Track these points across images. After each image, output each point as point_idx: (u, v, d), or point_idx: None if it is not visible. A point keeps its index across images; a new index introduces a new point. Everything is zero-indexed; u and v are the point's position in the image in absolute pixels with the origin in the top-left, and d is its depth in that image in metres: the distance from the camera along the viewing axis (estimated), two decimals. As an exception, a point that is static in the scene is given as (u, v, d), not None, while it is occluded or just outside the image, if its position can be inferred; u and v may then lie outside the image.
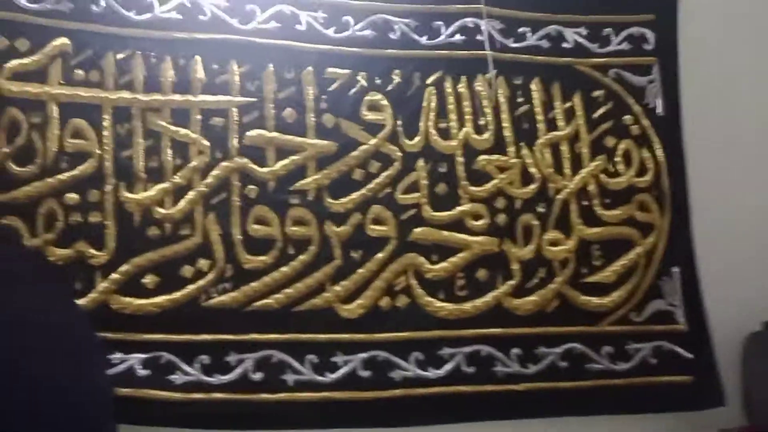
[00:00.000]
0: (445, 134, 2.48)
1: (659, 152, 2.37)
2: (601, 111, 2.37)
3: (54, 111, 2.22)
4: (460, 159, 2.46)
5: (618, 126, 2.36)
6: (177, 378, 2.16)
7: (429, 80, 2.48)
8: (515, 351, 2.19)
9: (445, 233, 2.26)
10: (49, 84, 2.24)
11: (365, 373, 2.26)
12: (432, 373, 2.30)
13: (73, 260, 2.14)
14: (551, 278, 2.24)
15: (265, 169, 2.33)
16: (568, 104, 2.36)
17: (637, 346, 2.23)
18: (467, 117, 2.50)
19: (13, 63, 2.21)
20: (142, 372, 2.13)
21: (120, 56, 2.30)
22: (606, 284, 2.25)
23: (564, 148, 2.37)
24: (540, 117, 2.35)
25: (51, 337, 1.33)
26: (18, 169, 2.16)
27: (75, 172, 2.21)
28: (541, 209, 2.29)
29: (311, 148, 2.38)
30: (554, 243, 2.28)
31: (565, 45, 2.40)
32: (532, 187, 2.30)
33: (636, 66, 2.44)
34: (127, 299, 2.18)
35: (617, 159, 2.35)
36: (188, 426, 2.12)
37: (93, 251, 2.18)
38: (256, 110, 2.35)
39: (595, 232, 2.30)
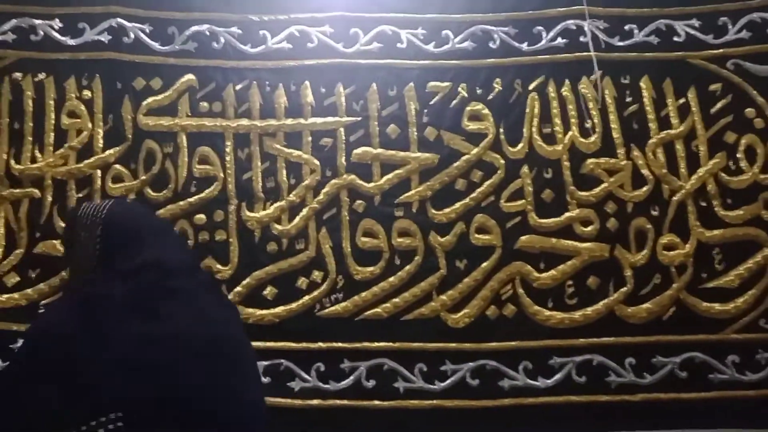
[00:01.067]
0: (549, 139, 2.20)
1: None
2: (719, 105, 2.07)
3: (183, 140, 2.24)
4: (566, 164, 2.18)
5: (739, 120, 2.04)
6: (295, 385, 2.07)
7: (531, 86, 2.22)
8: (629, 360, 1.94)
9: (553, 240, 2.06)
10: (179, 116, 2.25)
11: (474, 382, 2.05)
12: (541, 383, 2.04)
13: (202, 275, 1.97)
14: (668, 284, 1.97)
15: (371, 184, 2.19)
16: (681, 100, 2.09)
17: None
18: (572, 120, 2.20)
19: (149, 100, 2.25)
20: (264, 380, 2.04)
21: (239, 87, 2.27)
22: (729, 289, 1.95)
23: (679, 147, 2.09)
24: (651, 116, 2.11)
25: (231, 349, 1.17)
26: (154, 194, 2.20)
27: (202, 194, 2.20)
28: (654, 212, 2.04)
29: (414, 162, 2.21)
30: (670, 247, 2.01)
31: (676, 39, 2.14)
32: (645, 189, 2.06)
33: (758, 54, 2.10)
34: (250, 310, 2.12)
35: (739, 155, 2.04)
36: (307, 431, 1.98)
37: (219, 266, 2.15)
38: (362, 128, 2.22)
39: (716, 234, 2.01)
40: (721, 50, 2.08)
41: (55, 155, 2.18)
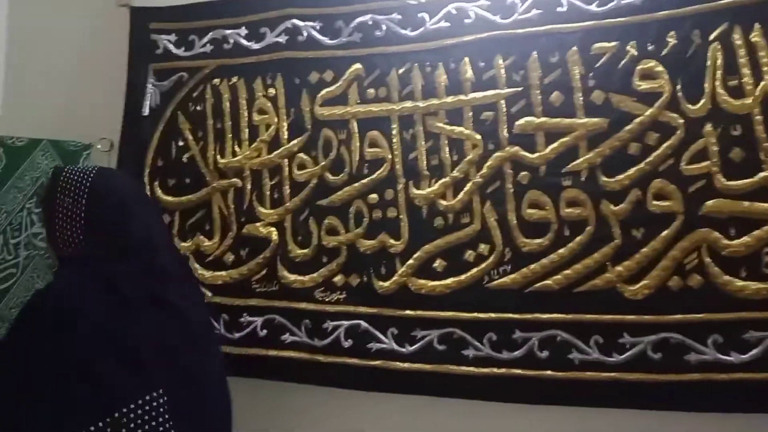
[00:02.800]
0: (737, 92, 1.62)
1: None
2: None
3: (355, 127, 2.02)
4: (758, 118, 1.59)
5: None
6: (470, 353, 1.81)
7: (712, 36, 1.66)
8: None
9: (745, 204, 1.58)
10: (350, 105, 2.03)
11: (656, 356, 1.65)
12: (735, 358, 1.58)
13: (377, 249, 1.94)
14: None
15: (534, 155, 1.81)
16: None
17: None
18: (765, 69, 1.60)
19: (323, 92, 2.06)
20: (440, 347, 1.84)
21: (401, 71, 1.97)
22: None
23: None
24: None
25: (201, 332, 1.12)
26: (333, 178, 2.03)
27: (374, 176, 1.98)
28: None
29: (581, 128, 1.77)
30: None
31: None
32: None
33: None
34: (422, 281, 1.88)
35: None
36: (482, 398, 1.80)
37: (392, 241, 1.93)
38: (523, 99, 1.82)
39: None
40: None
41: (250, 149, 2.11)
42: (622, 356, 1.63)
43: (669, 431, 1.60)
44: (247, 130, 2.07)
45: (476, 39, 1.86)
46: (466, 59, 1.86)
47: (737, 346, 1.56)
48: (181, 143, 2.14)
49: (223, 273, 2.02)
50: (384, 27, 1.98)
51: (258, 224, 2.01)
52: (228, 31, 2.14)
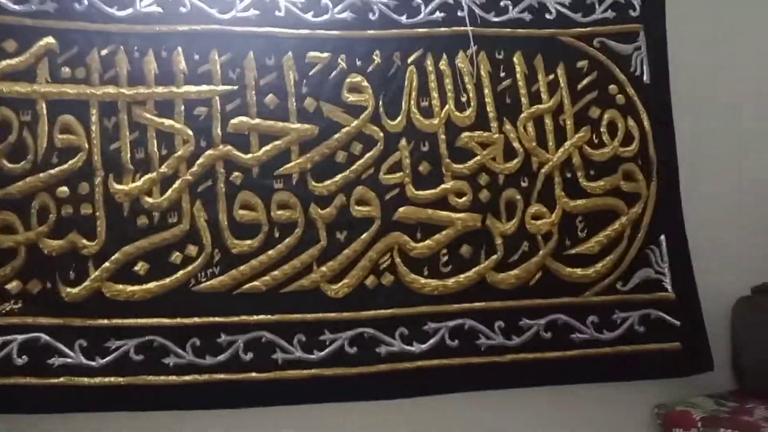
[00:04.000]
0: (427, 113, 1.59)
1: (645, 121, 1.61)
2: (585, 82, 1.59)
3: (43, 108, 1.51)
4: (442, 137, 1.59)
5: (603, 96, 1.57)
6: (170, 361, 1.48)
7: (410, 59, 1.60)
8: (498, 324, 1.51)
9: (429, 211, 1.57)
10: (38, 82, 1.52)
11: (352, 350, 1.51)
12: (416, 348, 1.53)
13: (66, 251, 1.49)
14: (534, 252, 1.53)
15: (248, 156, 1.55)
16: (551, 76, 1.59)
17: (624, 315, 1.55)
18: (449, 94, 1.61)
19: (2, 64, 1.50)
20: (137, 357, 1.47)
21: (104, 52, 1.55)
22: (590, 255, 1.54)
23: (548, 121, 1.60)
24: (523, 91, 1.59)
25: None
26: (11, 165, 1.49)
27: (65, 166, 1.51)
28: (524, 183, 1.56)
29: (293, 133, 1.57)
30: (537, 217, 1.56)
31: (548, 16, 1.67)
32: (515, 161, 1.57)
33: (621, 34, 1.63)
34: (120, 286, 1.49)
35: (602, 129, 1.58)
36: (183, 408, 1.48)
37: (85, 242, 1.50)
38: (239, 98, 1.55)
39: (579, 204, 1.57)
40: (588, 28, 1.58)
41: None
42: (322, 353, 1.48)
43: (359, 421, 1.53)
44: None
45: (191, 30, 1.52)
46: (180, 49, 1.51)
47: (419, 336, 1.51)
48: None
49: None
50: (85, 1, 1.51)
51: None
52: None
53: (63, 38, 1.51)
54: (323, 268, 1.53)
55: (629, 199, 1.50)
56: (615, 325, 1.51)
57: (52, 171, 1.49)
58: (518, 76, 1.63)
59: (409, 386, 1.52)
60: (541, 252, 1.50)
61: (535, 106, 1.54)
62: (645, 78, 1.58)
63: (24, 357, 1.38)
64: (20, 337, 1.38)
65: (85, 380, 1.40)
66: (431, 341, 1.54)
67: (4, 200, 1.47)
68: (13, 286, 1.40)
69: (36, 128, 1.49)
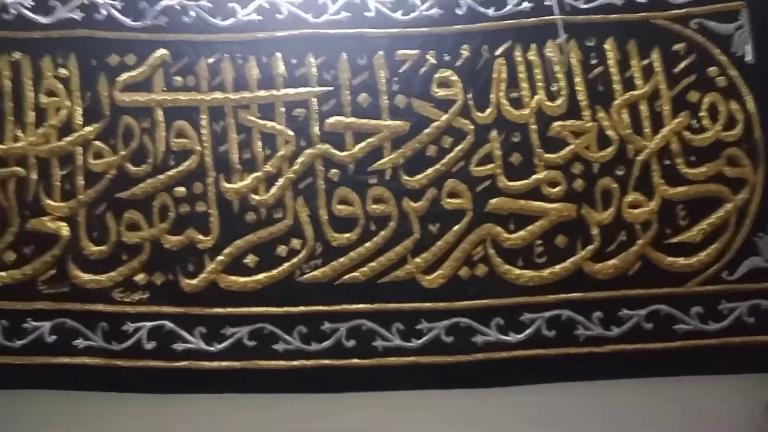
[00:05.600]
0: (517, 104, 1.60)
1: (750, 103, 1.51)
2: (682, 65, 1.52)
3: (160, 115, 1.66)
4: (533, 127, 1.59)
5: (702, 79, 1.49)
6: (280, 347, 1.59)
7: (498, 51, 1.61)
8: (597, 314, 1.47)
9: (522, 202, 1.52)
10: (155, 92, 1.66)
11: (449, 339, 1.56)
12: (512, 338, 1.55)
13: (184, 245, 1.63)
14: (633, 241, 1.47)
15: (344, 153, 1.62)
16: (645, 61, 1.53)
17: (731, 306, 1.46)
18: (539, 84, 1.61)
19: (124, 76, 1.66)
20: (250, 343, 1.59)
21: (211, 60, 1.66)
22: (692, 244, 1.47)
23: (643, 108, 1.54)
24: (616, 77, 1.54)
25: None
26: (134, 169, 1.65)
27: (181, 168, 1.64)
28: (620, 172, 1.51)
29: (386, 130, 1.62)
30: (635, 205, 1.50)
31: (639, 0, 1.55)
32: (610, 149, 1.51)
33: (721, 13, 1.53)
34: (233, 278, 1.61)
35: (702, 114, 1.51)
36: (293, 391, 1.59)
37: (201, 237, 1.62)
38: (334, 98, 1.63)
39: (680, 191, 1.50)
40: (684, 10, 1.52)
41: (36, 134, 1.63)
42: (420, 341, 1.53)
43: (457, 407, 1.56)
44: (32, 113, 1.59)
45: (289, 35, 1.62)
46: (278, 54, 1.61)
47: (515, 327, 1.53)
48: (-51, 125, 1.41)
49: (3, 274, 1.53)
50: (193, 13, 1.64)
51: (45, 218, 1.56)
52: (9, 0, 1.62)
53: (175, 49, 1.64)
54: (417, 260, 1.58)
55: (734, 185, 1.42)
56: (721, 316, 1.44)
57: (170, 172, 1.63)
58: (610, 62, 1.54)
59: (506, 375, 1.55)
60: (639, 241, 1.45)
61: (630, 93, 1.49)
62: (749, 58, 1.48)
63: (152, 342, 1.51)
64: (148, 324, 1.52)
65: (206, 364, 1.52)
66: (528, 331, 1.55)
67: (129, 201, 1.63)
68: (140, 278, 1.54)
69: (154, 134, 1.64)
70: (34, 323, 1.55)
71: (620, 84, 1.60)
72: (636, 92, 1.61)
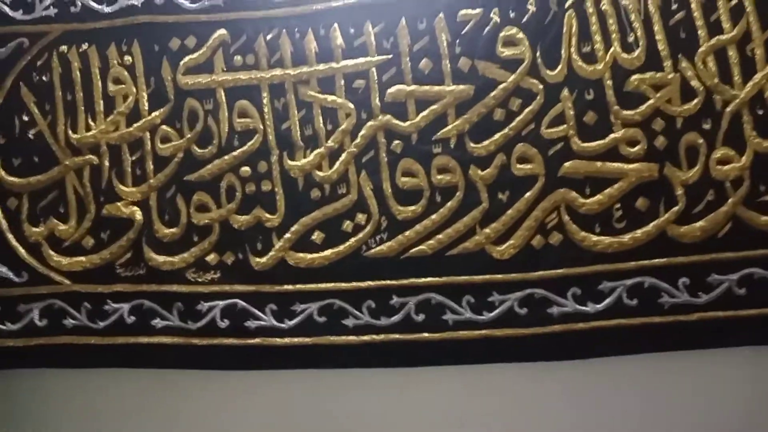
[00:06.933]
0: (590, 58, 1.49)
1: None
2: None
3: (222, 96, 1.67)
4: (608, 83, 1.47)
5: None
6: (350, 322, 1.59)
7: (567, 3, 1.49)
8: (683, 281, 1.37)
9: (598, 164, 1.41)
10: (216, 73, 1.67)
11: (522, 311, 1.51)
12: (591, 308, 1.47)
13: (252, 225, 1.65)
14: (722, 200, 1.35)
15: (407, 123, 1.57)
16: (734, 1, 1.34)
17: None
18: (614, 36, 1.49)
19: (186, 59, 1.67)
20: (320, 319, 1.61)
21: (269, 37, 1.65)
22: None
23: (732, 54, 1.38)
24: (700, 22, 1.39)
25: None
26: (200, 151, 1.67)
27: (245, 147, 1.66)
28: (706, 125, 1.36)
29: (449, 95, 1.55)
30: (724, 161, 1.36)
31: None
32: (695, 102, 1.37)
33: None
34: (300, 255, 1.62)
35: None
36: (364, 366, 1.60)
37: (268, 215, 1.64)
38: (394, 66, 1.57)
39: None
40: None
41: (106, 122, 1.70)
42: (492, 314, 1.49)
43: (541, 379, 1.51)
44: (102, 102, 1.66)
45: (345, 5, 1.56)
46: (336, 25, 1.56)
47: (593, 296, 1.46)
48: (25, 118, 1.66)
49: (83, 258, 1.63)
50: (249, -10, 1.46)
51: (119, 204, 1.64)
52: (74, -7, 1.47)
53: (233, 28, 1.64)
54: (487, 230, 1.53)
55: (838, 133, 1.17)
56: (827, 279, 1.27)
57: (234, 153, 1.65)
58: (693, 5, 1.45)
59: (585, 347, 1.48)
60: (730, 200, 1.32)
61: (716, 38, 1.34)
62: None
63: (225, 320, 1.53)
64: (221, 303, 1.53)
65: (278, 340, 1.54)
66: (607, 301, 1.47)
67: (197, 182, 1.67)
68: (211, 258, 1.55)
69: (218, 115, 1.65)
70: (114, 305, 1.62)
71: (705, 29, 1.46)
72: (723, 37, 1.45)
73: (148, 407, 1.56)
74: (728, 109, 1.46)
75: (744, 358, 1.45)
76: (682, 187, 1.48)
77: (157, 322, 1.48)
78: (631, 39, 1.50)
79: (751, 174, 1.44)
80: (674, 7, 1.49)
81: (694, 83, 1.47)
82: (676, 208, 1.47)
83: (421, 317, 1.54)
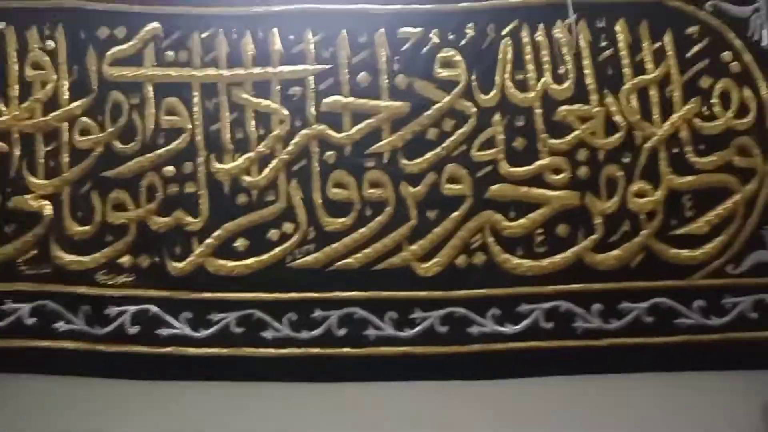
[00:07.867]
0: (522, 86, 1.54)
1: (763, 90, 1.43)
2: (695, 49, 1.44)
3: (150, 91, 1.59)
4: (538, 111, 1.49)
5: (715, 64, 1.42)
6: (268, 334, 1.53)
7: (504, 31, 1.54)
8: (596, 306, 1.41)
9: (523, 189, 1.45)
10: (145, 66, 1.59)
11: (443, 329, 1.50)
12: (509, 329, 1.49)
13: (172, 228, 1.56)
14: (637, 231, 1.41)
15: (341, 135, 1.55)
16: (657, 44, 1.46)
17: (735, 300, 1.40)
18: (546, 66, 1.54)
19: (114, 50, 1.59)
20: (237, 330, 1.52)
21: (204, 35, 1.59)
22: (698, 236, 1.40)
23: (653, 93, 1.47)
24: (626, 61, 1.47)
25: None
26: (122, 146, 1.58)
27: (171, 146, 1.58)
28: (626, 159, 1.44)
29: (385, 111, 1.55)
30: (641, 194, 1.44)
31: None
32: (617, 136, 1.44)
33: None
34: (221, 262, 1.55)
35: (713, 101, 1.43)
36: (281, 380, 1.53)
37: (189, 219, 1.56)
38: (332, 77, 1.56)
39: (687, 181, 1.43)
40: (698, -9, 1.26)
41: (20, 108, 1.57)
42: (413, 330, 1.47)
43: (450, 399, 1.51)
44: (17, 87, 1.53)
45: (285, 10, 1.54)
46: (275, 30, 1.53)
47: (512, 318, 1.48)
48: (-77, 98, 1.35)
49: None
50: (186, -15, 1.41)
51: (27, 197, 1.49)
52: (-10, -33, 1.38)
53: (167, 23, 1.57)
54: (414, 247, 1.52)
55: (743, 175, 1.36)
56: (724, 311, 1.37)
57: (158, 151, 1.56)
58: (621, 45, 1.44)
59: (501, 367, 1.50)
60: (644, 232, 1.39)
61: (640, 77, 1.42)
62: (765, 42, 1.41)
63: (136, 327, 1.46)
64: (132, 308, 1.46)
65: (191, 350, 1.47)
66: (525, 322, 1.50)
67: (116, 179, 1.57)
68: (125, 260, 1.47)
69: (144, 111, 1.57)
70: (14, 305, 1.49)
71: (630, 68, 1.54)
72: (646, 77, 1.54)
73: (43, 417, 1.43)
74: (647, 145, 1.54)
75: (646, 384, 1.51)
76: (600, 216, 1.53)
77: (60, 325, 1.36)
78: (561, 71, 1.55)
79: (664, 208, 1.53)
80: (603, 44, 1.57)
81: (618, 118, 1.55)
82: (594, 236, 1.53)
83: (342, 331, 1.51)
